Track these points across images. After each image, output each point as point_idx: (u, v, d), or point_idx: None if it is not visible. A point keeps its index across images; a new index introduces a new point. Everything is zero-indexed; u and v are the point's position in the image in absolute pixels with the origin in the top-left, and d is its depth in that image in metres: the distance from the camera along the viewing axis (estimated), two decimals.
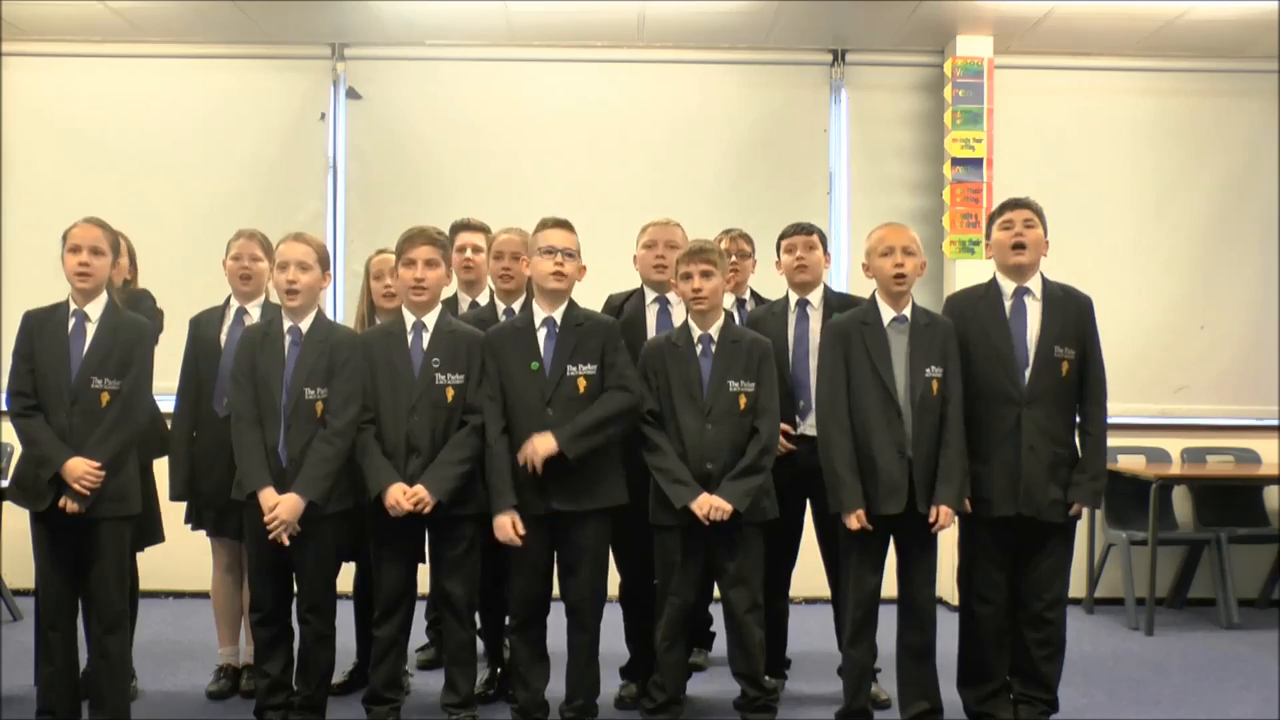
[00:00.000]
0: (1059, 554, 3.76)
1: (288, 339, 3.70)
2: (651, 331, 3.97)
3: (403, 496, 3.56)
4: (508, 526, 3.60)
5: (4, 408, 3.68)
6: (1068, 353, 3.70)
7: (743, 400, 3.66)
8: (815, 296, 4.09)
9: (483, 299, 4.33)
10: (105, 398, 3.54)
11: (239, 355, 3.73)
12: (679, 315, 3.97)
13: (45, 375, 3.54)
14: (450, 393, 3.66)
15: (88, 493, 3.47)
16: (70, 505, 3.47)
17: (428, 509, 3.59)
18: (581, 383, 3.66)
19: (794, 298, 4.10)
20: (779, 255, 4.18)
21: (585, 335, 3.69)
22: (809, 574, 4.23)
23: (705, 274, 3.67)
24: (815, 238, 4.13)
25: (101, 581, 3.57)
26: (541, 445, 3.57)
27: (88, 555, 3.57)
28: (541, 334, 3.70)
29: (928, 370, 3.63)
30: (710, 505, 3.56)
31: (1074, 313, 3.75)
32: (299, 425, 3.61)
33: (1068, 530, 3.78)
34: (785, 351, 3.99)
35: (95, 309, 3.60)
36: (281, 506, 3.55)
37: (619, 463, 3.71)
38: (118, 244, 3.75)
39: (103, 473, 3.48)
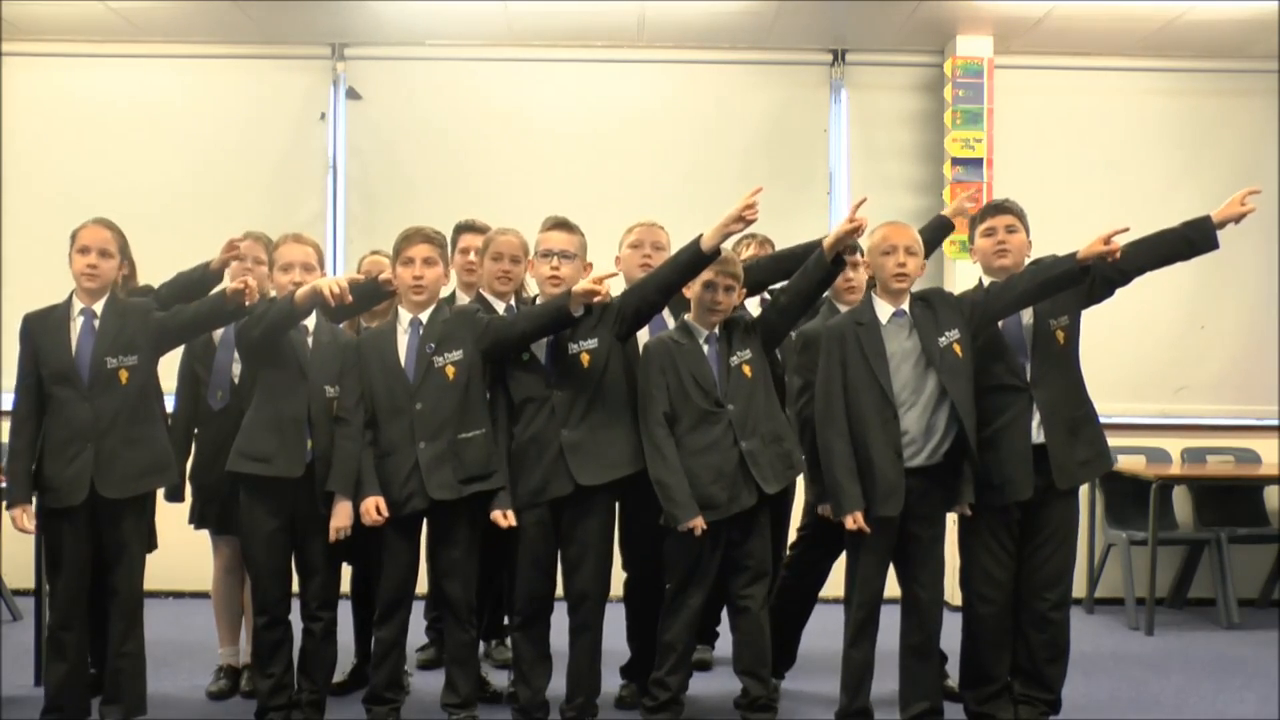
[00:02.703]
0: (1063, 554, 3.75)
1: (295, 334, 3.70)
2: (644, 330, 3.96)
3: (373, 509, 3.60)
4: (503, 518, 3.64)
5: (8, 407, 3.69)
6: (1060, 321, 3.72)
7: (747, 369, 3.69)
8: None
9: None
10: (124, 375, 3.57)
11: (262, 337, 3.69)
12: (666, 314, 3.97)
13: (55, 369, 3.56)
14: (451, 371, 3.66)
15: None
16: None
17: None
18: (585, 358, 3.67)
19: None
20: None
21: (585, 314, 3.70)
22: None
23: (728, 288, 3.69)
24: None
25: (125, 576, 3.61)
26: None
27: (111, 551, 3.59)
28: None
29: (941, 339, 3.62)
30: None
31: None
32: (322, 422, 3.62)
33: (1071, 530, 3.78)
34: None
35: (99, 306, 3.63)
36: (340, 518, 3.60)
37: (632, 431, 3.70)
38: (126, 246, 3.76)
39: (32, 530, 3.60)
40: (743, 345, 3.72)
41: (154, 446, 3.65)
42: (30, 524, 3.58)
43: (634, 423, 3.70)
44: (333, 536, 3.61)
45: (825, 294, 3.95)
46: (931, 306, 3.68)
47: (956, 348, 3.62)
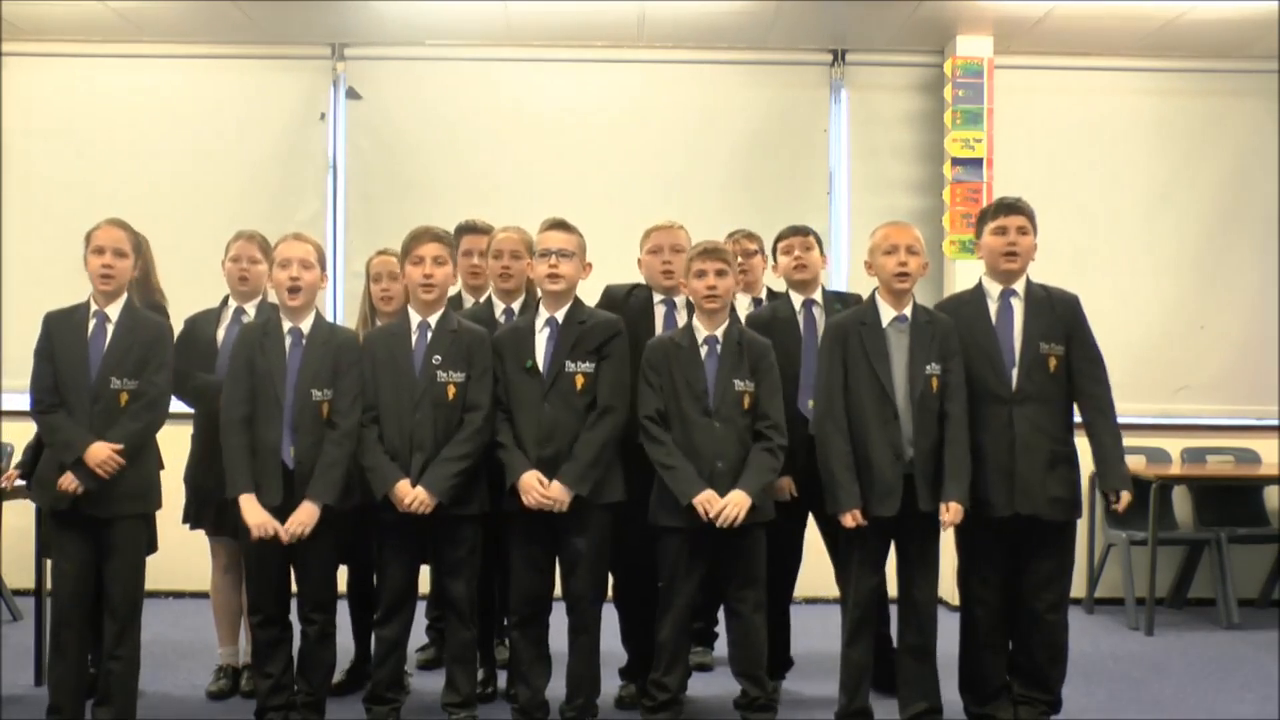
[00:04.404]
0: (1059, 556, 3.75)
1: (288, 339, 3.69)
2: (659, 331, 3.96)
3: (411, 493, 3.58)
4: (535, 486, 3.60)
5: (8, 407, 3.69)
6: (1055, 348, 3.70)
7: (746, 400, 3.66)
8: (817, 296, 4.10)
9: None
10: (124, 397, 3.57)
11: (236, 351, 3.72)
12: (683, 320, 3.97)
13: (66, 376, 3.56)
14: (452, 390, 3.66)
15: (107, 477, 3.49)
16: (70, 484, 3.48)
17: (427, 510, 3.60)
18: (579, 380, 3.67)
19: (798, 299, 4.10)
20: (775, 259, 4.20)
21: (586, 333, 3.70)
22: (808, 574, 4.22)
23: (720, 273, 3.67)
24: (811, 238, 4.15)
25: (117, 580, 3.59)
26: (557, 494, 3.59)
27: (104, 553, 3.58)
28: (544, 334, 3.72)
29: (927, 368, 3.63)
30: (719, 506, 3.54)
31: (1059, 311, 3.75)
32: (305, 427, 3.62)
33: (1067, 530, 3.77)
34: (797, 355, 3.96)
35: (114, 310, 3.62)
36: (301, 513, 3.57)
37: (618, 460, 3.72)
38: (139, 245, 3.76)
39: (123, 459, 3.50)
40: (751, 375, 3.69)
41: (140, 471, 3.62)
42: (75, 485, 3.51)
43: (618, 454, 3.71)
44: (289, 531, 3.55)
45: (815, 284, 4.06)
46: (935, 331, 3.66)
47: (934, 382, 3.63)
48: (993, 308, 3.75)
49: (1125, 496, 3.73)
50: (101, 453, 3.49)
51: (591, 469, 3.63)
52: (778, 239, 4.20)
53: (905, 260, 3.66)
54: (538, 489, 3.59)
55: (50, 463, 3.59)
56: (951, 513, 3.58)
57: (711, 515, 3.54)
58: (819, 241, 4.20)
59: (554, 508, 3.60)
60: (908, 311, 3.69)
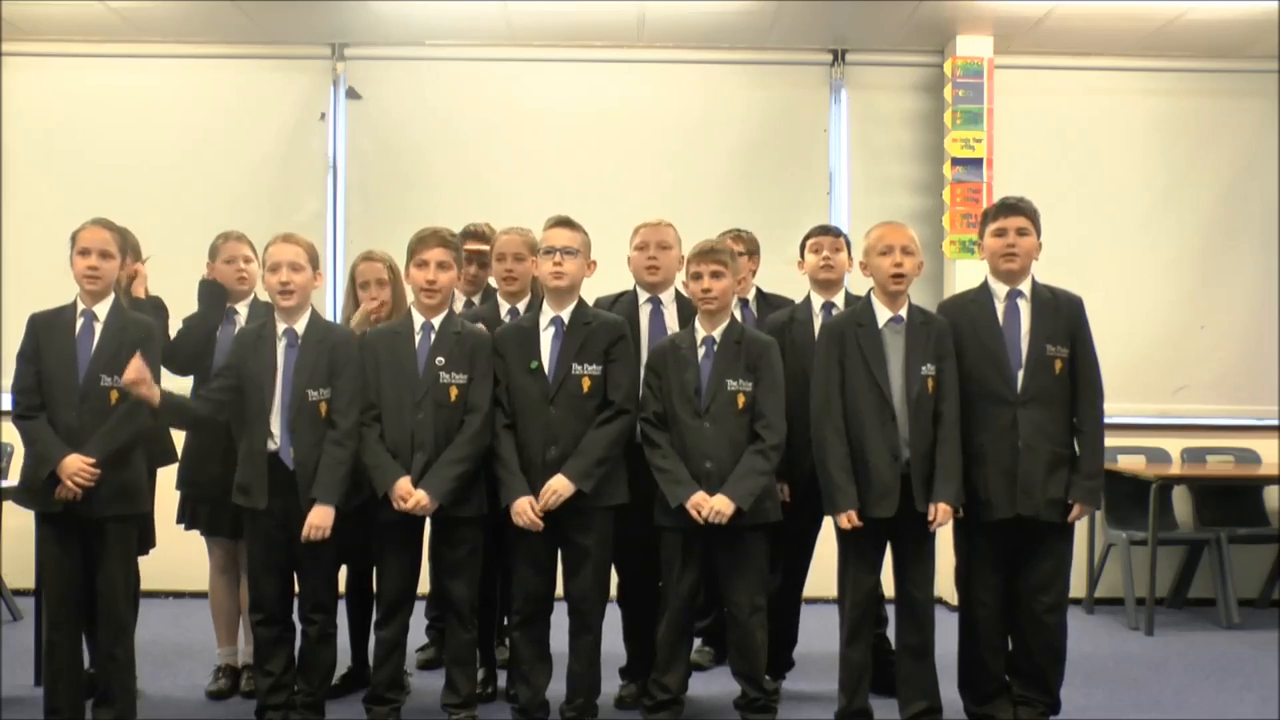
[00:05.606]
0: (1057, 556, 3.75)
1: (283, 341, 3.69)
2: (645, 332, 3.97)
3: (412, 494, 3.58)
4: (527, 511, 3.59)
5: (7, 407, 3.69)
6: (1060, 351, 3.70)
7: (741, 399, 3.66)
8: (839, 299, 4.10)
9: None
10: (114, 395, 3.55)
11: (232, 353, 3.73)
12: (671, 315, 3.98)
13: (53, 375, 3.55)
14: (454, 391, 3.66)
15: (78, 490, 3.47)
16: (66, 494, 3.48)
17: (428, 512, 3.60)
18: (585, 382, 3.67)
19: (818, 301, 4.09)
20: (802, 255, 4.19)
21: (592, 335, 3.70)
22: (809, 574, 4.22)
23: (715, 274, 3.67)
24: (841, 240, 4.15)
25: (110, 581, 3.58)
26: (559, 487, 3.59)
27: (95, 555, 3.57)
28: (549, 334, 3.72)
29: (923, 369, 3.63)
30: (709, 506, 3.56)
31: (1064, 312, 3.75)
32: (304, 427, 3.62)
33: (1066, 532, 3.77)
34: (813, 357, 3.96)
35: (102, 309, 3.62)
36: (314, 516, 3.56)
37: (621, 462, 3.72)
38: (126, 245, 3.75)
39: (97, 470, 3.49)
40: (749, 375, 3.68)
41: (130, 471, 3.61)
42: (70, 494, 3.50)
43: (620, 457, 3.71)
44: (305, 535, 3.57)
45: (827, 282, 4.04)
46: (930, 332, 3.66)
47: (930, 383, 3.62)
48: (999, 308, 3.75)
49: (1084, 510, 3.71)
50: (73, 465, 3.47)
51: (597, 467, 3.63)
52: (807, 237, 4.20)
53: (900, 261, 3.65)
54: (529, 513, 3.59)
55: (33, 467, 3.58)
56: (941, 513, 3.58)
57: (702, 516, 3.55)
58: (848, 245, 4.20)
59: (554, 504, 3.60)
60: (903, 312, 3.68)
